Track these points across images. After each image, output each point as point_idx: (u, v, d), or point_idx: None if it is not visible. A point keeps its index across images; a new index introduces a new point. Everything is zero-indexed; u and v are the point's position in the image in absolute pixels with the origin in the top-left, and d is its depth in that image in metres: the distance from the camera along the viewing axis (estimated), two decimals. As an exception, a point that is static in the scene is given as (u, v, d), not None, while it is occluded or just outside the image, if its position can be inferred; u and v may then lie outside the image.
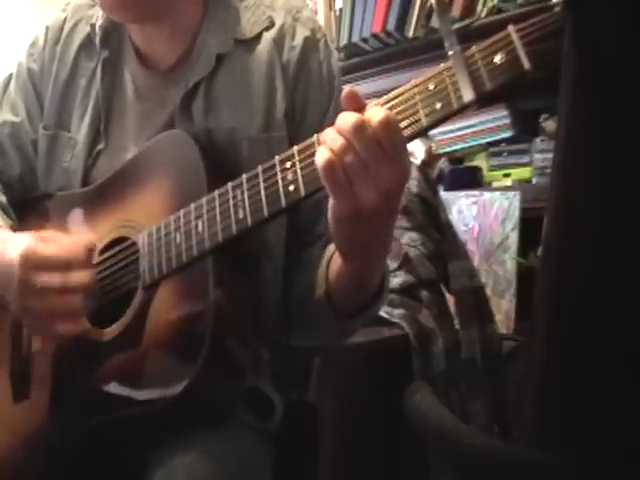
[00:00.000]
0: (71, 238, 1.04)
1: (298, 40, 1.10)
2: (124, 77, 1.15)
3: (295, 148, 0.86)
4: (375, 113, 0.77)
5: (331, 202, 0.80)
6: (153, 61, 1.14)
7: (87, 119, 1.14)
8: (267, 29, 1.10)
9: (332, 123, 1.07)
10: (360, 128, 0.77)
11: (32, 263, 0.98)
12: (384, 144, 0.76)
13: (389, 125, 0.76)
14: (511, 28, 0.73)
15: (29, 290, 0.98)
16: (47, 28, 1.22)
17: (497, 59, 0.73)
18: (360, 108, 0.79)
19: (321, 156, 0.78)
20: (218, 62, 1.08)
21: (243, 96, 1.08)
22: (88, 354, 1.03)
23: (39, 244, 1.00)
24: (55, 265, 0.98)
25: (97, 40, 1.15)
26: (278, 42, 1.09)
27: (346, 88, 0.83)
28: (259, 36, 1.10)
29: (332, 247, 0.96)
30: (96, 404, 1.01)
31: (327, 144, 0.79)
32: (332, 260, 0.96)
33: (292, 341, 1.10)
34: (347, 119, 0.78)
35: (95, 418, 1.01)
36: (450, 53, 0.76)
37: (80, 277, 0.99)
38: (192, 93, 1.08)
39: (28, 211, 1.19)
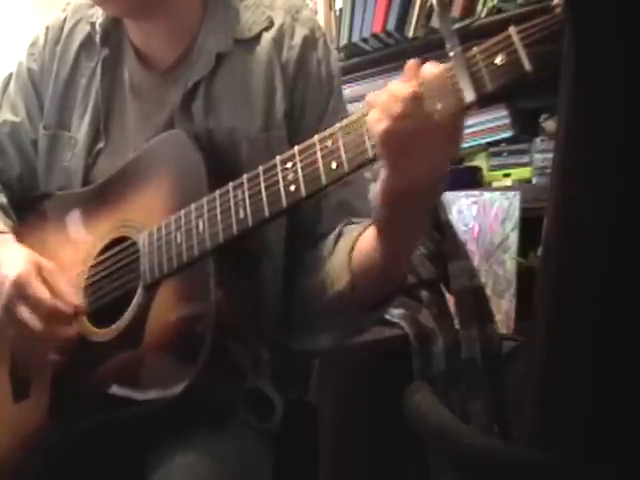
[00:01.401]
0: (66, 284, 1.03)
1: (297, 40, 1.10)
2: (124, 76, 1.15)
3: (296, 148, 0.86)
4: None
5: (383, 175, 0.80)
6: (152, 60, 1.14)
7: (87, 118, 1.15)
8: (267, 29, 1.10)
9: (330, 122, 1.07)
10: (418, 97, 0.75)
11: (22, 294, 0.99)
12: (442, 116, 0.75)
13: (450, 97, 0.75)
14: (512, 29, 0.73)
15: (9, 318, 0.99)
16: (47, 28, 1.22)
17: (498, 60, 0.73)
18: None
19: (378, 121, 0.77)
20: (218, 62, 1.08)
21: (243, 96, 1.08)
22: (88, 353, 1.03)
23: (35, 277, 1.00)
24: (41, 309, 0.98)
25: (97, 38, 1.15)
26: (277, 42, 1.09)
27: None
28: (259, 36, 1.10)
29: (347, 242, 0.96)
30: (96, 404, 1.02)
31: (382, 109, 0.77)
32: (356, 252, 0.94)
33: (292, 345, 1.10)
34: (404, 87, 0.77)
35: (95, 418, 1.01)
36: (451, 54, 0.76)
37: (59, 332, 1.00)
38: (192, 93, 1.08)
39: (28, 211, 1.19)
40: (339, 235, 1.02)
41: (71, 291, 1.03)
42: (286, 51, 1.09)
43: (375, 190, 0.82)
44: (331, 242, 1.02)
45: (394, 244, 0.87)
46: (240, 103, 1.07)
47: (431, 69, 0.77)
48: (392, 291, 0.95)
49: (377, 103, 0.78)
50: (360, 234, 0.95)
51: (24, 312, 0.98)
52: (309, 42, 1.10)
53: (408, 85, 0.77)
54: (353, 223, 1.04)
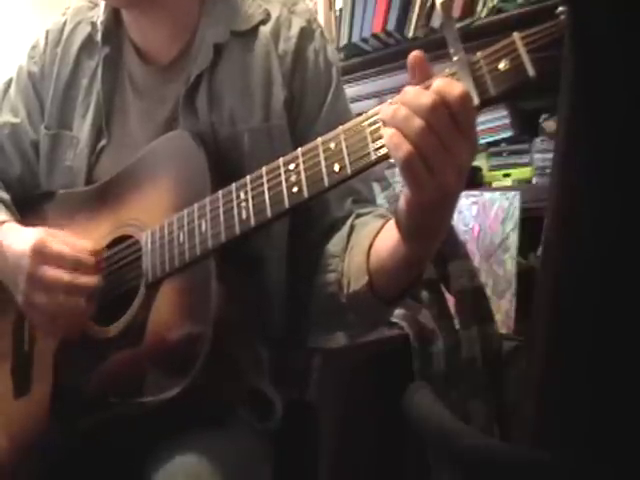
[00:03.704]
0: (80, 240, 1.05)
1: (294, 31, 1.10)
2: (124, 74, 1.16)
3: (299, 150, 0.86)
4: (449, 87, 0.73)
5: (408, 193, 0.77)
6: (152, 57, 1.15)
7: (89, 117, 1.15)
8: (263, 22, 1.11)
9: (331, 111, 1.07)
10: (438, 106, 0.72)
11: (42, 256, 1.00)
12: (460, 120, 0.73)
13: (467, 100, 0.73)
14: (516, 35, 0.73)
15: (37, 284, 0.99)
16: (47, 31, 1.23)
17: (502, 66, 0.73)
18: (428, 76, 0.75)
19: (396, 146, 0.73)
20: (217, 54, 1.09)
21: (243, 88, 1.08)
22: (89, 351, 1.04)
23: (50, 238, 1.01)
24: (65, 262, 1.00)
25: (98, 36, 1.16)
26: (274, 34, 1.10)
27: (414, 55, 0.75)
28: (256, 30, 1.10)
29: (363, 240, 0.95)
30: (95, 401, 1.02)
31: (400, 127, 0.73)
32: (374, 252, 0.92)
33: (306, 343, 1.10)
34: (421, 96, 0.73)
35: (94, 416, 1.01)
36: (455, 59, 0.75)
37: (87, 280, 1.01)
38: (195, 87, 1.08)
39: (31, 209, 1.20)
40: (351, 229, 1.01)
41: (87, 243, 1.04)
42: (283, 42, 1.10)
43: (400, 204, 0.79)
44: (343, 237, 1.01)
45: (418, 248, 0.85)
46: (241, 95, 1.08)
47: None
48: (409, 285, 0.93)
49: (394, 121, 0.74)
50: (378, 232, 0.93)
51: (49, 270, 0.99)
52: (306, 33, 1.11)
53: (424, 93, 0.73)
54: (361, 215, 1.04)
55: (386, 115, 0.76)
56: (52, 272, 0.99)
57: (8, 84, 1.25)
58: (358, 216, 1.03)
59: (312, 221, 1.06)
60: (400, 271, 0.89)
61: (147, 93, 1.14)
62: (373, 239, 0.93)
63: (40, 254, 1.00)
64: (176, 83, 1.11)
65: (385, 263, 0.89)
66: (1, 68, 1.35)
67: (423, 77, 0.76)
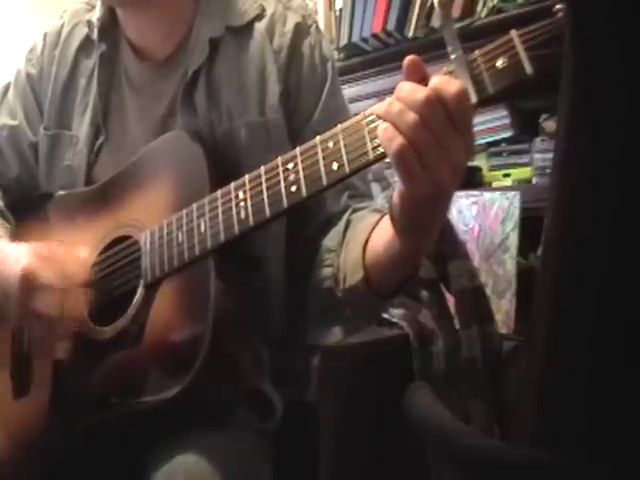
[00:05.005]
0: (69, 256, 1.04)
1: (289, 26, 1.11)
2: (121, 71, 1.16)
3: (298, 149, 0.86)
4: (446, 84, 0.73)
5: (402, 188, 0.77)
6: (148, 53, 1.15)
7: (88, 115, 1.15)
8: (258, 18, 1.11)
9: (327, 106, 1.08)
10: (433, 102, 0.72)
11: (31, 287, 0.99)
12: (456, 118, 0.73)
13: (463, 98, 0.72)
14: (513, 33, 0.73)
15: (27, 313, 1.00)
16: (45, 34, 1.24)
17: (499, 63, 0.73)
18: (424, 79, 0.75)
19: (389, 140, 0.74)
20: (213, 50, 1.09)
21: (239, 84, 1.08)
22: (88, 352, 1.04)
23: (38, 266, 1.00)
24: (53, 291, 0.99)
25: (95, 34, 1.16)
26: (269, 30, 1.10)
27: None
28: (251, 26, 1.11)
29: (359, 235, 0.95)
30: (95, 401, 1.02)
31: (394, 121, 0.74)
32: (370, 247, 0.92)
33: (305, 340, 1.10)
34: (416, 91, 0.73)
35: (94, 416, 1.01)
36: (453, 57, 0.75)
37: (75, 306, 1.01)
38: (193, 83, 1.08)
39: (30, 211, 1.20)
40: (347, 224, 1.01)
41: (77, 266, 1.04)
42: (278, 37, 1.10)
43: (394, 199, 0.80)
44: (339, 232, 1.01)
45: (412, 243, 0.85)
46: (237, 90, 1.08)
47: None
48: (404, 281, 0.93)
49: (388, 115, 0.74)
50: (374, 227, 0.93)
51: (38, 302, 0.99)
52: (301, 28, 1.11)
53: (419, 89, 0.73)
54: (358, 210, 1.04)
55: (381, 110, 0.76)
56: (40, 305, 0.99)
57: (6, 88, 1.26)
58: (354, 211, 1.04)
59: (309, 217, 1.06)
60: (395, 266, 0.89)
61: (143, 89, 1.14)
62: (369, 234, 0.93)
63: (28, 285, 1.00)
64: (172, 79, 1.11)
65: (381, 258, 0.89)
66: (0, 71, 1.36)
67: (419, 79, 0.76)
